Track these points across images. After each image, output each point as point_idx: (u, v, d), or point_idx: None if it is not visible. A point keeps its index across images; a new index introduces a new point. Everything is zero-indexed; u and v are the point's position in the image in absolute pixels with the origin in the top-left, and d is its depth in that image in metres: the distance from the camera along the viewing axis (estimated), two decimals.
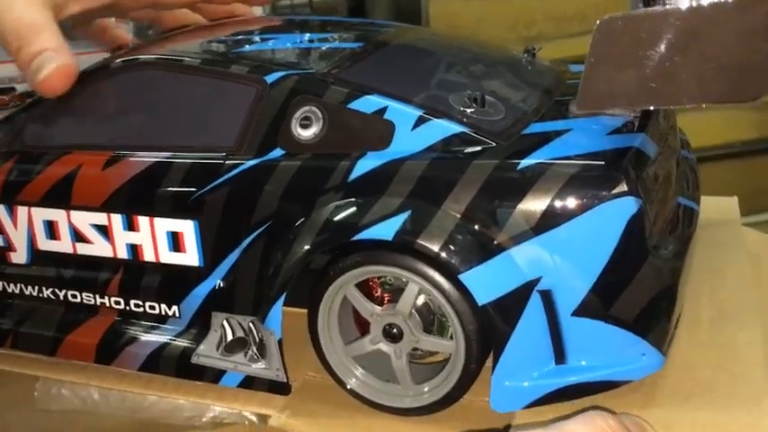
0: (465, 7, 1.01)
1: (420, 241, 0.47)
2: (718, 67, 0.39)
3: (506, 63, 0.62)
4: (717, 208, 0.75)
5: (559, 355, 0.49)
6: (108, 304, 0.59)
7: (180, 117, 0.57)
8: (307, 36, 0.64)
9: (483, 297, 0.47)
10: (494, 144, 0.49)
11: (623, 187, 0.46)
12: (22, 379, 0.62)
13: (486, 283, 0.47)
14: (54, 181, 0.58)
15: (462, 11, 0.95)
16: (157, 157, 0.56)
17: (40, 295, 0.61)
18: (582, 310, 0.47)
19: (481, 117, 0.51)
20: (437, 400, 0.51)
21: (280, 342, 0.52)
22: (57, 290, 0.60)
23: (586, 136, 0.50)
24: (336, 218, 0.50)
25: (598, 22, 0.40)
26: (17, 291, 0.62)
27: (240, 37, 0.64)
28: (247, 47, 0.60)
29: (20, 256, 0.61)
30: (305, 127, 0.53)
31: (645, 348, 0.48)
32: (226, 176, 0.53)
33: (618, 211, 0.46)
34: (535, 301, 0.47)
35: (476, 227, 0.48)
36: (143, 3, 0.69)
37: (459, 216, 0.48)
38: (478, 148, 0.49)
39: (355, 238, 0.48)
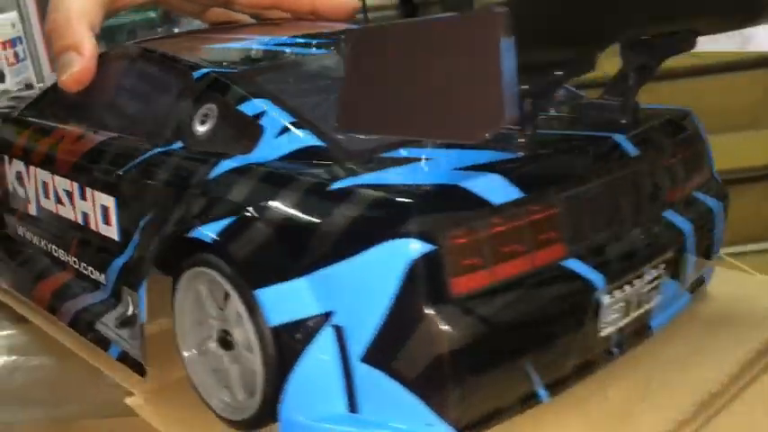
0: None
1: (230, 249, 0.46)
2: (443, 95, 0.32)
3: None
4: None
5: (351, 402, 0.44)
6: (69, 262, 0.65)
7: (133, 103, 0.61)
8: (288, 39, 0.64)
9: (274, 318, 0.44)
10: (334, 162, 0.46)
11: (409, 227, 0.40)
12: None
13: (280, 304, 0.44)
14: (48, 148, 0.66)
15: None
16: (106, 137, 0.61)
17: (38, 245, 0.70)
18: (368, 357, 0.42)
19: (346, 134, 0.48)
20: (244, 420, 0.49)
21: (141, 326, 0.54)
22: (47, 242, 0.69)
23: (433, 167, 0.45)
24: (183, 213, 0.50)
25: (346, 31, 0.36)
26: (28, 238, 0.72)
27: (231, 35, 0.66)
28: (218, 45, 0.63)
29: (32, 209, 0.71)
30: (202, 123, 0.54)
31: (430, 418, 0.42)
32: (136, 161, 0.56)
33: (398, 252, 0.40)
34: (327, 336, 0.43)
35: (283, 244, 0.45)
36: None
37: (272, 230, 0.45)
38: (317, 164, 0.46)
39: (187, 235, 0.49)
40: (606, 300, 0.47)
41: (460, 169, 0.44)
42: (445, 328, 0.40)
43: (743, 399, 0.51)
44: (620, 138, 0.50)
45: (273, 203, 0.46)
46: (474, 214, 0.41)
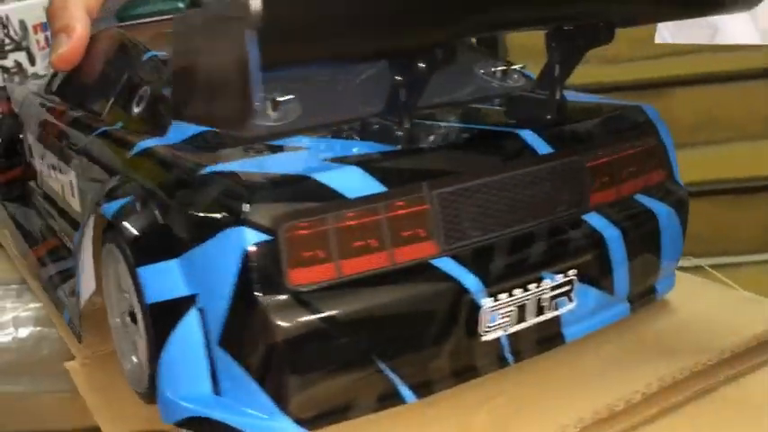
0: None
1: (122, 227, 0.48)
2: (215, 85, 0.32)
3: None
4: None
5: (215, 385, 0.45)
6: (56, 230, 0.70)
7: (101, 83, 0.64)
8: None
9: (150, 296, 0.46)
10: (221, 147, 0.47)
11: (246, 216, 0.40)
12: None
13: (157, 283, 0.46)
14: (44, 124, 0.71)
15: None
16: (79, 114, 0.64)
17: (41, 213, 0.75)
18: (223, 343, 0.43)
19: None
20: (143, 392, 0.50)
21: (78, 295, 0.57)
22: (45, 210, 0.74)
23: (303, 157, 0.44)
24: (103, 190, 0.52)
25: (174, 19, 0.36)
26: (38, 206, 0.77)
27: None
28: None
29: (39, 179, 0.76)
30: (138, 105, 0.56)
31: (271, 408, 0.42)
32: (88, 138, 0.59)
33: (235, 240, 0.40)
34: (193, 317, 0.44)
35: (164, 225, 0.46)
36: None
37: (154, 211, 0.47)
38: (206, 148, 0.47)
39: (100, 210, 0.51)
40: (487, 303, 0.45)
41: (327, 160, 0.43)
42: (278, 318, 0.40)
43: (661, 423, 0.48)
44: (527, 134, 0.47)
45: (157, 185, 0.47)
46: (318, 206, 0.41)
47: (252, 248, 0.40)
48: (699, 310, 0.57)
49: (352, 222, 0.41)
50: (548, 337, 0.49)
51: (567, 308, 0.49)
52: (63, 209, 0.68)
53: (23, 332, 0.70)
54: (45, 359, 0.65)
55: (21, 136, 0.82)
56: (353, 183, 0.42)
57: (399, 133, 0.44)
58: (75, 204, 0.63)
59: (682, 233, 0.54)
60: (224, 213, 0.41)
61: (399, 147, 0.45)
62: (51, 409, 0.61)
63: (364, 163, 0.43)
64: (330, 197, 0.41)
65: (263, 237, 0.40)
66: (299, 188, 0.41)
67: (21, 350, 0.68)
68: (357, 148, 0.45)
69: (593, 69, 0.59)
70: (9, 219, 0.81)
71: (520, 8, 0.38)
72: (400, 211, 0.43)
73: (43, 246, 0.72)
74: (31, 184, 0.81)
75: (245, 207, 0.40)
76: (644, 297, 0.54)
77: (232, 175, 0.43)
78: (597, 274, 0.49)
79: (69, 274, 0.64)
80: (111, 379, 0.55)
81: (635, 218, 0.51)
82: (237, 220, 0.40)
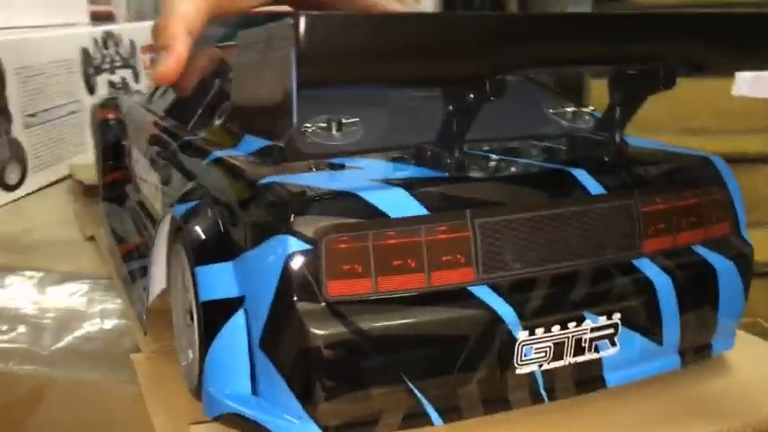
0: None
1: (188, 227, 0.51)
2: (258, 97, 0.34)
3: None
4: None
5: (254, 384, 0.47)
6: (142, 230, 0.75)
7: (193, 97, 0.68)
8: None
9: (204, 294, 0.48)
10: (284, 161, 0.49)
11: (292, 225, 0.42)
12: None
13: (211, 282, 0.48)
14: (142, 132, 0.76)
15: None
16: (170, 124, 0.69)
17: (133, 213, 0.81)
18: (263, 345, 0.45)
19: (310, 138, 0.51)
20: (193, 388, 0.53)
21: (146, 289, 0.60)
22: (135, 211, 0.79)
23: (354, 176, 0.46)
24: (178, 193, 0.56)
25: (239, 35, 0.39)
26: (132, 207, 0.83)
27: None
28: None
29: (134, 181, 0.81)
30: (219, 117, 0.60)
31: (300, 413, 0.43)
32: (173, 146, 0.64)
33: (279, 247, 0.42)
34: (240, 318, 0.47)
35: (224, 228, 0.49)
36: None
37: (217, 214, 0.50)
38: (270, 161, 0.50)
39: (171, 210, 0.54)
40: (522, 336, 0.45)
41: (377, 181, 0.45)
42: (312, 326, 0.42)
43: None
44: (580, 173, 0.48)
45: (221, 191, 0.50)
46: (361, 222, 0.43)
47: (294, 256, 0.42)
48: (758, 372, 0.55)
49: (392, 241, 0.43)
50: (587, 380, 0.48)
51: (608, 351, 0.48)
52: (149, 210, 0.72)
53: (109, 324, 0.74)
54: (126, 352, 0.68)
55: (124, 142, 0.88)
56: (398, 203, 0.43)
57: (449, 161, 0.46)
58: (158, 206, 0.68)
59: (743, 290, 0.53)
60: (273, 221, 0.44)
61: (448, 174, 0.46)
62: (122, 399, 0.64)
63: (410, 186, 0.44)
64: (373, 215, 0.43)
65: (306, 246, 0.42)
66: (345, 204, 0.43)
67: (105, 340, 0.71)
68: (408, 171, 0.47)
69: (677, 140, 0.59)
70: (105, 218, 0.87)
71: (563, 47, 0.39)
72: (441, 236, 0.44)
73: (129, 243, 0.77)
74: (128, 186, 0.87)
75: (292, 216, 0.42)
76: (697, 352, 0.53)
77: (286, 186, 0.45)
78: (644, 322, 0.49)
79: (146, 271, 0.68)
80: (172, 374, 0.59)
81: (691, 269, 0.50)
82: (284, 228, 0.42)
